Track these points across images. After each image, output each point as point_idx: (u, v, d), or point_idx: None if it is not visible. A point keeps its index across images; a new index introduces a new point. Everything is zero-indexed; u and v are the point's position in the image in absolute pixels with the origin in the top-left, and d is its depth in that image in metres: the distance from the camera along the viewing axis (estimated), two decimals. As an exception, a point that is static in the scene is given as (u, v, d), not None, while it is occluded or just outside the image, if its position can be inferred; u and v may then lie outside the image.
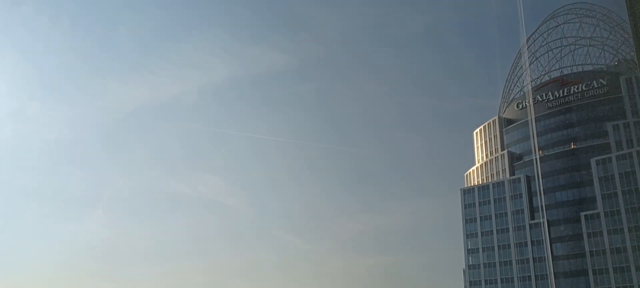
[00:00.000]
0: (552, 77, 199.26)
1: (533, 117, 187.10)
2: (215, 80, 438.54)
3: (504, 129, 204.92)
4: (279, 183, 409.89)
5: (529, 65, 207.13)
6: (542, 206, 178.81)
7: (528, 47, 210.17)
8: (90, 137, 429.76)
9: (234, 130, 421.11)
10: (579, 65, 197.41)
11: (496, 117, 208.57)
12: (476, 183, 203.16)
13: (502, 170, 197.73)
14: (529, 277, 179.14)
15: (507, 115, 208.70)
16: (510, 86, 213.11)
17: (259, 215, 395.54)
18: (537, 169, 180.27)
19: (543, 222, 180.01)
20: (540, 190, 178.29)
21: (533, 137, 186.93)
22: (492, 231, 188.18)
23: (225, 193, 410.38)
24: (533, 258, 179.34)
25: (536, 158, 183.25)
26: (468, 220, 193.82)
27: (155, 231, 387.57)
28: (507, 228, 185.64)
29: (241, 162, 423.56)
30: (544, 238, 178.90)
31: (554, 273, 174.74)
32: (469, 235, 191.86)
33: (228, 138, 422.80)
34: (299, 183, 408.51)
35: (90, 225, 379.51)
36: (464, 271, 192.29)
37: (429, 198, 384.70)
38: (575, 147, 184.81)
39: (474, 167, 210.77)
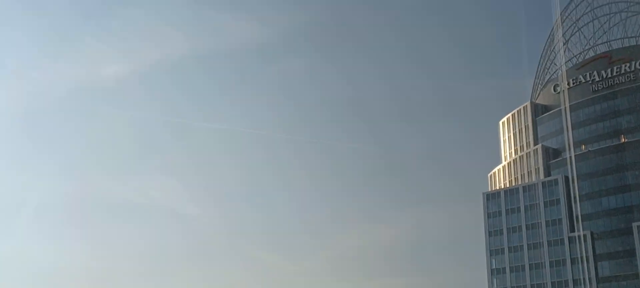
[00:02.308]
0: (599, 52, 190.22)
1: (567, 102, 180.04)
2: (174, 57, 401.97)
3: (537, 118, 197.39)
4: (257, 188, 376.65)
5: (570, 37, 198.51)
6: (577, 215, 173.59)
7: (568, 15, 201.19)
8: (12, 128, 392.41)
9: (197, 119, 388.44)
10: (631, 37, 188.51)
11: (528, 103, 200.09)
12: (502, 187, 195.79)
13: (535, 169, 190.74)
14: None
15: (541, 100, 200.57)
16: (546, 63, 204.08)
17: (230, 228, 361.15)
18: (572, 169, 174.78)
19: (583, 235, 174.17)
20: (575, 195, 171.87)
21: (567, 129, 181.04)
22: (522, 246, 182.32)
23: (186, 200, 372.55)
24: (573, 280, 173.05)
25: (570, 156, 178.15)
26: (492, 233, 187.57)
27: (96, 247, 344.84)
28: (541, 243, 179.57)
29: (208, 160, 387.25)
30: (586, 255, 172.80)
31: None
32: (493, 252, 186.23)
33: (190, 130, 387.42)
34: (282, 187, 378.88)
35: (13, 238, 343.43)
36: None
37: (442, 205, 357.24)
38: (625, 141, 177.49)
39: (500, 166, 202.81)
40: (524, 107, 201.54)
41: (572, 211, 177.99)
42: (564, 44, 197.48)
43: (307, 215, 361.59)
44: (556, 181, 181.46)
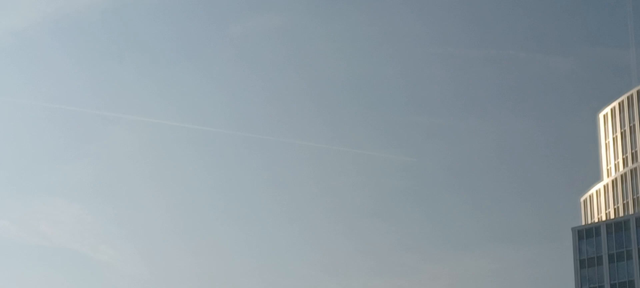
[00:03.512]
0: None
1: None
2: (70, 9, 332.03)
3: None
4: (204, 218, 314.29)
5: None
6: None
7: None
8: None
9: (108, 109, 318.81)
10: None
11: None
12: (603, 218, 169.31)
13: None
14: None
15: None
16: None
17: (161, 281, 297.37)
18: None
19: None
20: None
21: None
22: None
23: (95, 237, 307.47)
24: None
25: None
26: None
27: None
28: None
29: (127, 174, 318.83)
30: None
31: None
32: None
33: (97, 125, 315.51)
34: (247, 217, 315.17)
35: None
36: None
37: (505, 245, 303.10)
38: None
39: (599, 186, 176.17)
40: (637, 91, 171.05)
41: None
42: None
43: (291, 263, 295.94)
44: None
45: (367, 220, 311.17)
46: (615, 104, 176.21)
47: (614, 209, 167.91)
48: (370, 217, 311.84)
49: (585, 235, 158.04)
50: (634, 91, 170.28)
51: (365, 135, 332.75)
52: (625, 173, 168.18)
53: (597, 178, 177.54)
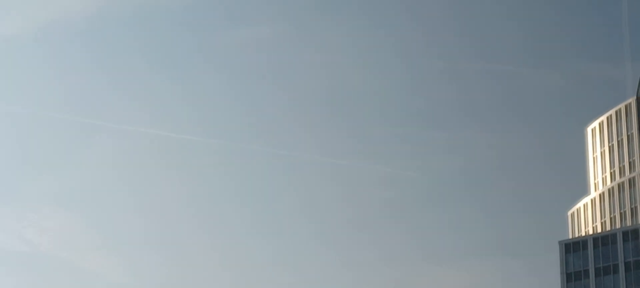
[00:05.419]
0: None
1: None
2: (58, 17, 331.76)
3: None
4: (194, 226, 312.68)
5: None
6: None
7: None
8: None
9: (100, 117, 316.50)
10: None
11: (632, 100, 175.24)
12: (590, 232, 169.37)
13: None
14: None
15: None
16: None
17: None
18: None
19: None
20: None
21: None
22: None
23: (85, 245, 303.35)
24: None
25: None
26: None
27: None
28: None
29: (119, 180, 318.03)
30: None
31: None
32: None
33: (90, 133, 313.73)
34: (240, 224, 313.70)
35: None
36: None
37: (491, 258, 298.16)
38: None
39: (586, 199, 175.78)
40: (625, 106, 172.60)
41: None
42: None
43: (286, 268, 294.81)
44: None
45: (348, 233, 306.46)
46: (603, 118, 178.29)
47: (601, 223, 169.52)
48: (351, 229, 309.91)
49: (572, 248, 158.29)
50: (622, 105, 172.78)
51: (347, 146, 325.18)
52: (612, 188, 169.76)
53: (585, 192, 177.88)
